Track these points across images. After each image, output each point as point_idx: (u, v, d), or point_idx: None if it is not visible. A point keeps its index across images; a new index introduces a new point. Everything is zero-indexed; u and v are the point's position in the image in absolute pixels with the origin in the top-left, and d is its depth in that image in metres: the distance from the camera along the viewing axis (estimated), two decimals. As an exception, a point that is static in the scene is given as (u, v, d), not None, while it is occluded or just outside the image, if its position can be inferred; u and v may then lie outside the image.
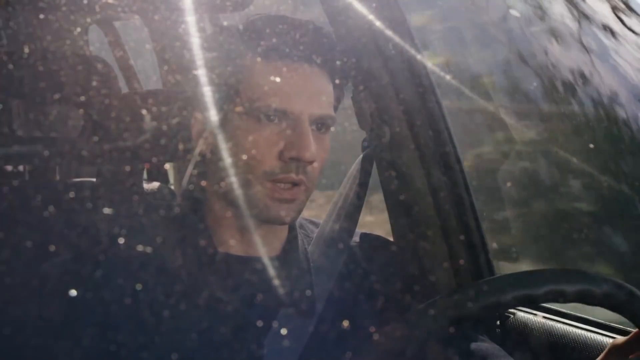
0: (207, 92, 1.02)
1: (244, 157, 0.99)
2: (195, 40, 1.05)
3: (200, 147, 1.05)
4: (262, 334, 1.02)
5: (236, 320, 1.02)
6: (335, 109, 1.08)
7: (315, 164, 1.01)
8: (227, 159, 1.00)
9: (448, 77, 1.47)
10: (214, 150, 1.03)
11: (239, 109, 0.99)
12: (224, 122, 1.01)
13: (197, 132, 1.05)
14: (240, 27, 1.04)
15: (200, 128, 1.05)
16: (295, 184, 1.00)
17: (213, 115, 1.03)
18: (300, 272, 1.08)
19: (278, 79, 0.99)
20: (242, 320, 1.02)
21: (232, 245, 1.06)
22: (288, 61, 1.00)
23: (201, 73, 1.03)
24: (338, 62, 1.05)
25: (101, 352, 0.99)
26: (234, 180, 1.00)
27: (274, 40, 1.00)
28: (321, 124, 1.03)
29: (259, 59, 1.00)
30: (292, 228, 1.12)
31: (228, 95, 1.01)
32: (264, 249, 1.06)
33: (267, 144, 0.99)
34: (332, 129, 1.05)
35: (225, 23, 1.05)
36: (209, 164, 1.04)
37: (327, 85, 1.04)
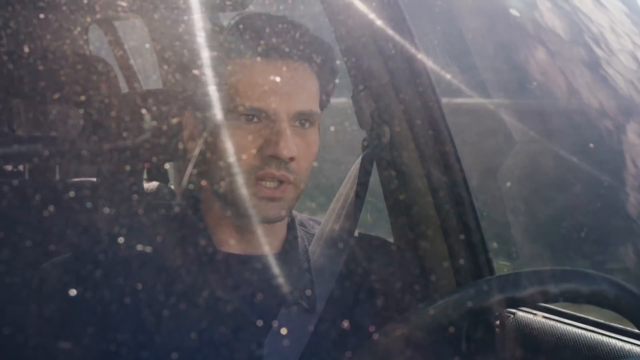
0: (198, 93, 1.03)
1: (229, 156, 0.99)
2: (190, 40, 1.05)
3: (193, 147, 1.05)
4: (262, 333, 1.02)
5: (236, 320, 1.02)
6: (324, 103, 1.07)
7: (301, 161, 1.01)
8: (216, 159, 1.01)
9: (448, 76, 1.47)
10: (204, 150, 1.03)
11: (221, 109, 1.00)
12: (212, 123, 1.01)
13: (189, 132, 1.06)
14: (217, 28, 1.03)
15: (191, 128, 1.05)
16: (280, 182, 1.00)
17: (203, 116, 1.03)
18: (300, 270, 1.08)
19: (253, 78, 0.99)
20: (243, 319, 1.02)
21: (232, 244, 1.06)
22: (264, 59, 0.99)
23: (192, 73, 1.03)
24: (321, 56, 1.03)
25: (101, 351, 0.99)
26: (224, 180, 1.01)
27: (248, 38, 1.00)
28: (304, 120, 1.02)
29: (236, 59, 1.00)
30: (291, 227, 1.11)
31: (214, 96, 1.01)
32: (263, 247, 1.06)
33: (247, 142, 0.99)
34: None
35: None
36: (203, 164, 1.05)
37: (309, 80, 1.02)
